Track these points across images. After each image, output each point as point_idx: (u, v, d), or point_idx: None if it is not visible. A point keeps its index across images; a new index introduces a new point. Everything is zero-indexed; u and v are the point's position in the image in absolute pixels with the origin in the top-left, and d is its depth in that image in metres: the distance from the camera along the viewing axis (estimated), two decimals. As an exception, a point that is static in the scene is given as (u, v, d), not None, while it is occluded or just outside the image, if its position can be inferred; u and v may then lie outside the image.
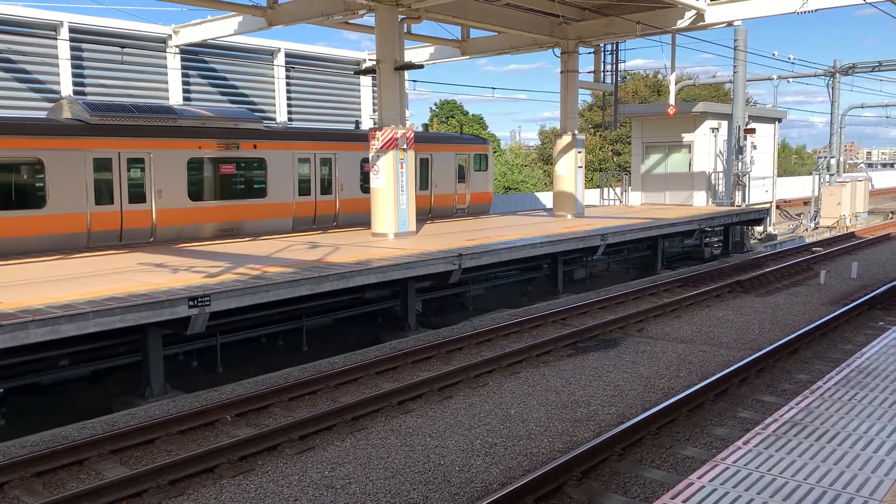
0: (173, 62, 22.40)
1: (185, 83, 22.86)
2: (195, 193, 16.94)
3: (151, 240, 16.09)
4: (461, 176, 23.61)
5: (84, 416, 8.92)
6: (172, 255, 13.86)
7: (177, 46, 22.07)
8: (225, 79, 24.12)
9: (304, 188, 19.05)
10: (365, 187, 19.51)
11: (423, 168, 22.14)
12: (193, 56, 23.04)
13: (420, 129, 36.91)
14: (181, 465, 7.02)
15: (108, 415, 9.00)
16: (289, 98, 25.66)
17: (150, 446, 7.88)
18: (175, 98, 22.37)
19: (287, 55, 25.43)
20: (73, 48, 20.19)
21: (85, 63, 20.69)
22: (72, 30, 20.10)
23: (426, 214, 22.25)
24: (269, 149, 18.19)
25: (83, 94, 20.66)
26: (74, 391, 10.60)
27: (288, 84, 25.67)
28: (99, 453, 7.49)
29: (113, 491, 6.54)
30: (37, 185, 14.58)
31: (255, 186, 18.17)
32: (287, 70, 25.41)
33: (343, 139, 20.20)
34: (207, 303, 9.80)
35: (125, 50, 20.52)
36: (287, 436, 7.82)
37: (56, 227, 14.67)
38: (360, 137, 19.64)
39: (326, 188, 19.64)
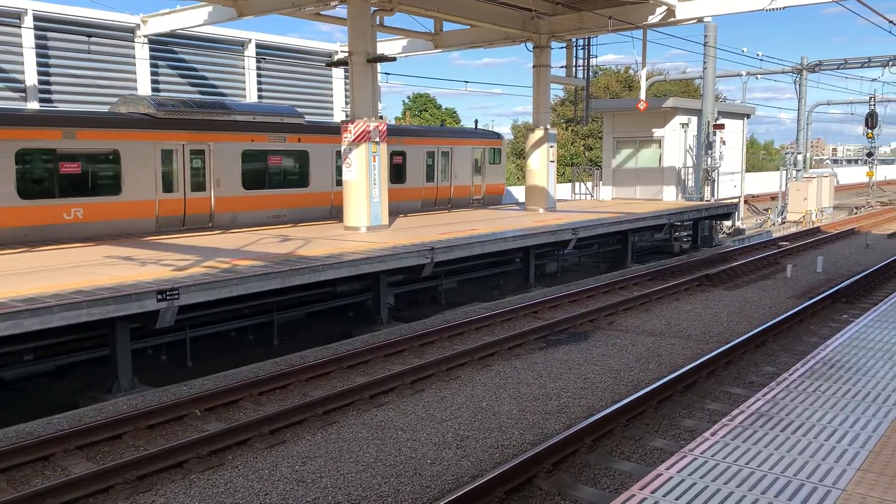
0: (142, 52, 22.05)
1: (153, 73, 22.52)
2: (248, 183, 18.13)
3: (210, 225, 17.36)
4: (477, 168, 25.19)
5: (49, 411, 8.77)
6: (141, 248, 13.66)
7: (145, 36, 21.72)
8: (195, 69, 23.80)
9: (339, 179, 19.80)
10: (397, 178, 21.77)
11: (446, 161, 24.02)
12: (162, 46, 22.69)
13: (392, 122, 36.87)
14: (149, 460, 6.94)
15: (75, 410, 8.85)
16: (259, 90, 25.40)
17: (118, 442, 7.77)
18: (143, 89, 22.03)
19: (258, 46, 25.17)
20: (37, 37, 19.77)
21: (50, 52, 20.28)
22: (36, 17, 19.67)
23: (446, 204, 24.04)
24: (311, 142, 19.54)
25: (48, 83, 20.26)
26: (39, 386, 10.40)
27: (259, 76, 25.41)
28: (65, 449, 7.38)
29: (79, 487, 6.45)
30: (114, 174, 15.81)
31: (299, 177, 19.49)
32: (258, 61, 25.15)
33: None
34: (176, 296, 9.68)
35: (92, 39, 20.15)
36: (257, 430, 7.77)
37: (130, 213, 15.97)
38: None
39: None
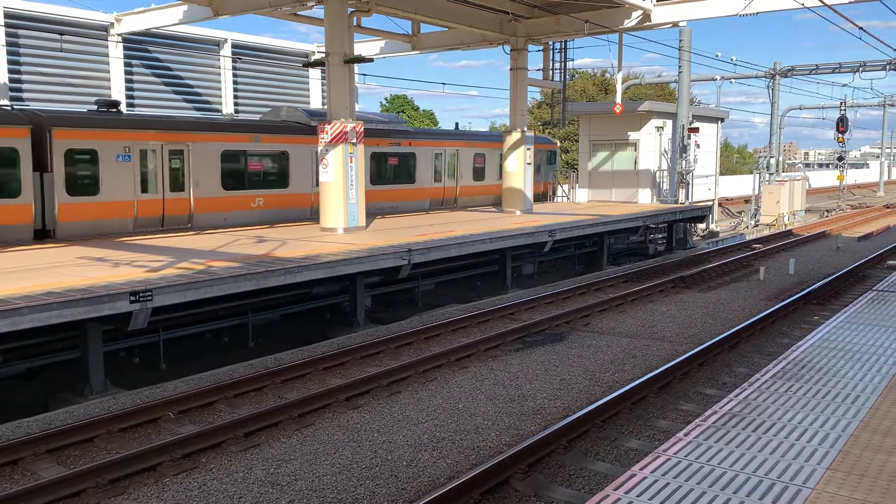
0: (115, 51, 21.79)
1: (127, 73, 22.27)
2: (375, 178, 21.74)
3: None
4: (538, 168, 27.56)
5: (19, 414, 8.63)
6: (114, 248, 13.50)
7: (119, 35, 21.47)
8: (169, 69, 23.57)
9: (437, 177, 24.30)
10: (477, 176, 25.90)
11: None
12: (136, 45, 22.45)
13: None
14: (121, 463, 6.85)
15: (45, 413, 8.72)
16: (235, 90, 25.21)
17: (89, 445, 7.67)
18: (117, 88, 21.77)
19: (234, 46, 24.99)
20: (8, 34, 19.46)
21: (21, 50, 19.98)
22: (7, 15, 19.36)
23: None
24: (417, 146, 23.23)
25: (19, 81, 19.96)
26: (9, 389, 10.24)
27: (235, 76, 25.22)
28: (34, 453, 7.26)
29: (49, 491, 6.35)
30: (284, 171, 19.37)
31: (407, 175, 23.11)
32: (234, 61, 24.97)
33: (455, 138, 25.49)
34: (149, 298, 9.58)
35: (64, 38, 19.87)
36: (232, 433, 7.70)
37: (294, 203, 19.62)
38: (462, 136, 25.84)
39: (451, 176, 24.89)
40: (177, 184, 17.04)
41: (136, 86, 22.52)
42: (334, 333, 12.80)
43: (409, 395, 9.22)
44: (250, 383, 9.42)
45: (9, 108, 16.81)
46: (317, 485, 6.72)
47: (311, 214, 19.53)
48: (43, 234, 15.05)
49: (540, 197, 28.27)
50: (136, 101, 22.66)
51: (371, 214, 20.12)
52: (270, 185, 19.07)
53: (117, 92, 21.56)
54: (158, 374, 10.92)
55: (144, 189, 16.45)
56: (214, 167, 17.69)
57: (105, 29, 21.34)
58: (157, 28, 20.74)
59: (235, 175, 18.25)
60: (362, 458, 7.29)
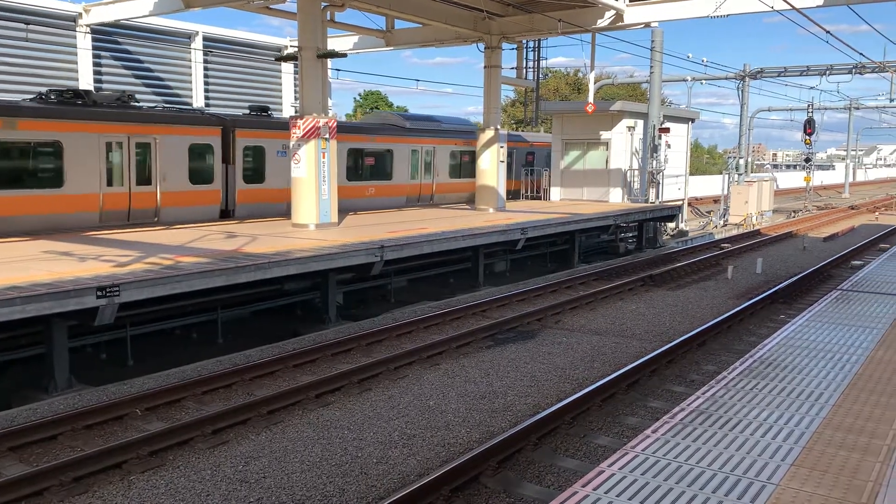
0: (83, 42, 21.39)
1: (96, 64, 21.88)
2: (453, 173, 25.92)
3: (431, 201, 25.21)
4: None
5: (-20, 411, 8.45)
6: (80, 242, 13.28)
7: (87, 26, 21.07)
8: (139, 61, 23.20)
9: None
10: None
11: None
12: (105, 36, 22.06)
13: (343, 118, 36.75)
14: (86, 461, 6.75)
15: (7, 410, 8.55)
16: (206, 83, 24.91)
17: (53, 443, 7.54)
18: (85, 79, 21.39)
19: (205, 39, 24.66)
20: (-29, 23, 19.03)
21: (-15, 39, 19.53)
22: (-30, 3, 18.93)
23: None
24: (475, 145, 24.21)
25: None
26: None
27: (206, 69, 24.92)
28: (-4, 451, 7.12)
29: (10, 490, 6.23)
30: (389, 166, 23.41)
31: (472, 170, 24.93)
32: (205, 54, 24.66)
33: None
34: (116, 293, 9.43)
35: (30, 27, 19.47)
36: (200, 430, 7.63)
37: (396, 192, 23.76)
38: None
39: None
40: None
41: (104, 77, 22.13)
42: (305, 330, 12.72)
43: (381, 393, 9.20)
44: (219, 380, 9.33)
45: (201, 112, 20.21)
46: (286, 482, 6.68)
47: (405, 203, 23.86)
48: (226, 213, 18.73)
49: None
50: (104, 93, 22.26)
51: (345, 210, 20.48)
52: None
53: (85, 83, 21.17)
54: (126, 370, 10.77)
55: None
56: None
57: (73, 19, 20.93)
58: (126, 19, 20.39)
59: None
60: (332, 456, 7.26)
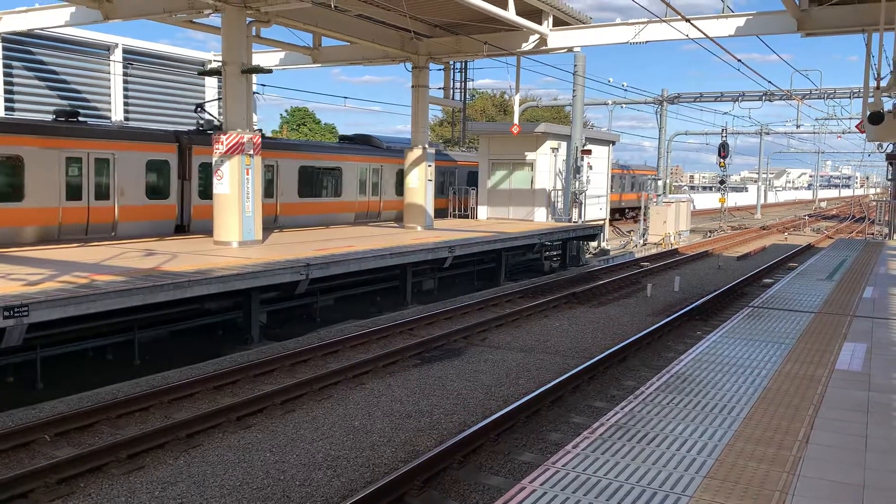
0: (-7, 51, 20.53)
1: (7, 74, 21.00)
2: (398, 191, 25.85)
3: (379, 218, 25.92)
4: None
5: None
6: (-14, 261, 12.64)
7: (-2, 34, 20.23)
8: (54, 72, 22.39)
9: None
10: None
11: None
12: (18, 46, 21.21)
13: (269, 134, 36.33)
14: (-11, 491, 6.40)
15: None
16: (126, 96, 24.21)
17: (-47, 472, 7.11)
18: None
19: (125, 51, 24.02)
20: None
21: None
22: None
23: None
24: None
25: None
26: None
27: (126, 82, 24.23)
28: None
29: None
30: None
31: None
32: (125, 67, 23.99)
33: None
34: (25, 313, 9.01)
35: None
36: (114, 455, 7.34)
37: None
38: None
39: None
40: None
41: (16, 88, 21.26)
42: (227, 351, 12.42)
43: (305, 414, 9.06)
44: (135, 403, 9.01)
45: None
46: (205, 508, 6.49)
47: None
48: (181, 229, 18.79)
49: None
50: (16, 105, 21.39)
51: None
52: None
53: (-5, 94, 20.31)
54: (35, 394, 10.26)
55: (268, 195, 20.56)
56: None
57: (-18, 27, 20.07)
58: (41, 29, 19.68)
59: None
60: (253, 479, 7.10)
